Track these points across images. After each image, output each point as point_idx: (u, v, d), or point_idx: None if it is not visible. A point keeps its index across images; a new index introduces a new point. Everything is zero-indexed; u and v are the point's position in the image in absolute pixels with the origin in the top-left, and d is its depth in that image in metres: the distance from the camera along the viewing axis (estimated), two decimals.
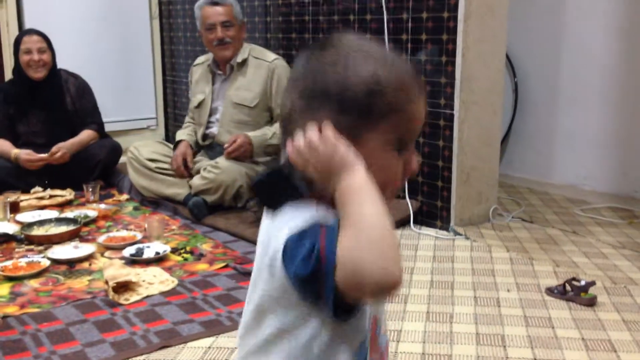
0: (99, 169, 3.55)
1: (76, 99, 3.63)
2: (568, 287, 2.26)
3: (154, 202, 3.27)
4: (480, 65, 2.81)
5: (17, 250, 2.64)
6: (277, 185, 0.77)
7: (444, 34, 2.78)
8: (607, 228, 3.00)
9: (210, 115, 3.23)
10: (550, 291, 2.28)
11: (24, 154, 3.34)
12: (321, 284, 0.71)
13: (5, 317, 2.02)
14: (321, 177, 0.76)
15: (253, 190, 0.80)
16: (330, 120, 0.77)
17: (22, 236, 2.74)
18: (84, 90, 3.67)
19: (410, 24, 2.91)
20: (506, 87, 3.42)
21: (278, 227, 0.77)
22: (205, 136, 3.27)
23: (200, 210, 3.01)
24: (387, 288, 0.68)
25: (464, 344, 1.93)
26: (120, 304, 2.13)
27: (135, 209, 3.25)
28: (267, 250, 0.78)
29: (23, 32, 3.65)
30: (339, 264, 0.69)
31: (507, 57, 3.25)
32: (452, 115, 2.82)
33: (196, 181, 3.06)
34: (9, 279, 2.34)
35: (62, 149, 3.40)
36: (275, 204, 0.78)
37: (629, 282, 2.37)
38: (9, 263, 2.45)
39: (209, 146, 3.26)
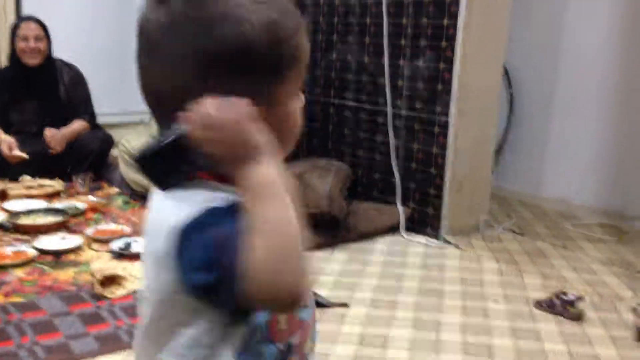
0: (89, 160, 3.51)
1: (70, 89, 3.59)
2: (556, 302, 2.26)
3: (144, 197, 3.24)
4: (478, 74, 2.81)
5: (3, 238, 2.61)
6: (170, 158, 0.64)
7: (443, 41, 2.78)
8: (596, 244, 3.01)
9: None
10: (538, 304, 2.28)
11: (4, 146, 3.27)
12: (222, 293, 0.62)
13: None
14: (223, 159, 0.63)
15: (139, 163, 0.65)
16: (232, 86, 0.64)
17: (9, 224, 2.70)
18: (78, 80, 3.64)
19: (409, 30, 2.91)
20: (501, 97, 3.42)
21: (167, 214, 0.65)
22: None
23: None
24: (297, 302, 0.61)
25: (450, 352, 1.92)
26: (106, 297, 2.11)
27: (125, 202, 3.22)
28: (154, 241, 0.67)
29: (21, 18, 3.62)
30: (248, 275, 0.59)
31: (504, 67, 3.26)
32: (447, 123, 2.82)
33: None
34: None
35: (55, 137, 3.36)
36: (165, 182, 0.67)
37: (617, 298, 2.37)
38: None
39: None
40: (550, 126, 3.63)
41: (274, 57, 0.66)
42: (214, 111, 0.62)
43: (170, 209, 0.65)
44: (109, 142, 3.64)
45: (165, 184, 0.66)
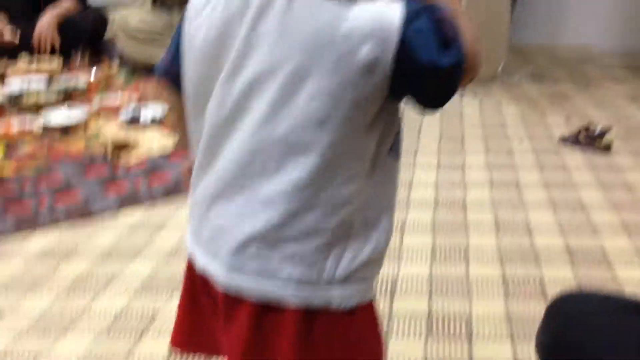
0: (84, 39, 3.35)
1: None
2: (582, 136, 2.19)
3: (147, 69, 3.13)
4: None
5: (7, 117, 2.53)
6: None
7: None
8: (619, 82, 2.90)
9: None
10: (563, 140, 2.21)
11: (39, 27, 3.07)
12: (453, 75, 0.64)
13: (1, 179, 1.95)
14: None
15: None
16: None
17: (12, 104, 2.62)
18: None
19: None
20: None
21: (365, 10, 0.61)
22: None
23: None
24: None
25: (477, 189, 1.88)
26: (121, 165, 2.06)
27: (128, 76, 3.12)
28: (336, 47, 0.60)
29: None
30: (468, 53, 0.63)
31: None
32: None
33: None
34: (2, 143, 2.24)
35: (43, 31, 3.18)
36: None
37: None
38: (0, 130, 2.35)
39: None
40: None
41: None
42: None
43: (363, 12, 0.61)
44: (102, 19, 3.46)
45: None
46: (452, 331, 1.25)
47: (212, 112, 0.68)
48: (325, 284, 0.67)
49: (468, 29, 0.65)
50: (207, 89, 0.69)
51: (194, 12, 0.70)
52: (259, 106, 0.64)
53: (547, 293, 1.35)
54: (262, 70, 0.64)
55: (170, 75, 0.75)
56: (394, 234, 0.72)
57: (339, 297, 0.68)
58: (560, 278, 1.41)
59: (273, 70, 0.63)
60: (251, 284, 0.68)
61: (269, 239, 0.66)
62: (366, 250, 0.69)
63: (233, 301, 0.69)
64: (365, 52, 0.60)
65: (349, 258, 0.67)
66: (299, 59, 0.62)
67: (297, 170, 0.64)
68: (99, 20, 3.45)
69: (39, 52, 3.11)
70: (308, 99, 0.62)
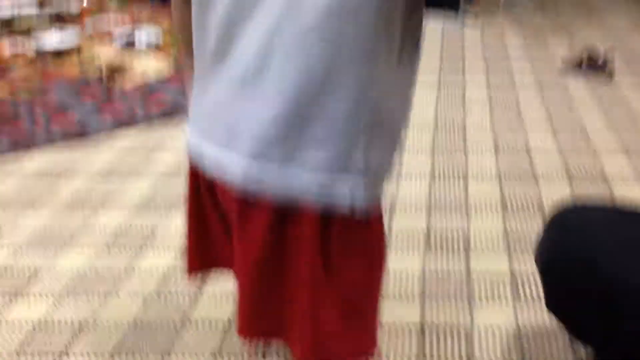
0: None
1: None
2: (584, 63, 2.15)
3: None
4: None
5: None
6: None
7: None
8: (621, 11, 2.83)
9: None
10: (566, 63, 2.18)
11: None
12: None
13: None
14: None
15: None
16: None
17: (3, 28, 2.55)
18: None
19: None
20: None
21: None
22: None
23: None
24: None
25: (477, 105, 1.86)
26: (116, 88, 2.02)
27: (121, 1, 3.03)
28: None
29: None
30: None
31: None
32: None
33: None
34: None
35: None
36: None
37: None
38: None
39: None
40: None
41: None
42: None
43: None
44: None
45: None
46: (450, 246, 1.26)
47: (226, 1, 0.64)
48: (351, 172, 0.64)
49: None
50: None
51: None
52: None
53: (545, 211, 1.36)
54: None
55: None
56: None
57: (361, 188, 0.65)
58: (559, 196, 1.41)
59: None
60: (274, 175, 0.64)
61: (297, 118, 0.62)
62: (387, 142, 0.68)
63: (249, 207, 0.67)
64: None
65: (376, 147, 0.65)
66: None
67: (323, 49, 0.60)
68: None
69: None
70: None
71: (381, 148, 0.67)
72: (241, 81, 0.64)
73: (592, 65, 2.13)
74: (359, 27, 0.60)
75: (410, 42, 0.67)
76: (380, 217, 0.73)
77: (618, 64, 2.15)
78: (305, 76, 0.61)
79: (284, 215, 0.66)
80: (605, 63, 2.13)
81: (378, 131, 0.65)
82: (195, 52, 0.71)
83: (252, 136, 0.64)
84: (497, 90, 1.99)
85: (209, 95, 0.69)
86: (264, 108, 0.63)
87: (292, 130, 0.62)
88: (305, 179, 0.64)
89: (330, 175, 0.64)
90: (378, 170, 0.67)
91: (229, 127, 0.66)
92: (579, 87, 2.02)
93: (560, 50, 2.34)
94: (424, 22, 0.68)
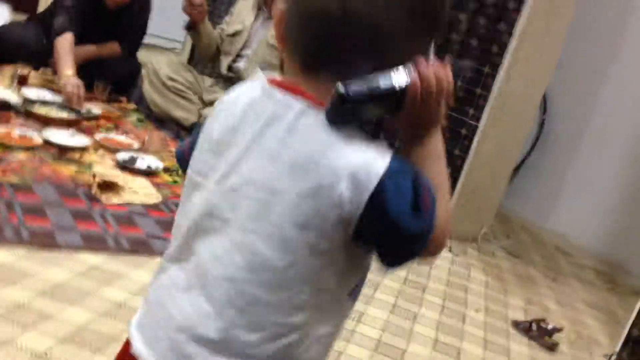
0: (111, 82, 3.39)
1: (134, 15, 3.43)
2: (534, 327, 2.25)
3: (160, 120, 3.23)
4: (520, 89, 2.77)
5: (13, 121, 2.59)
6: (364, 102, 0.65)
7: (495, 45, 2.74)
8: (586, 286, 3.00)
9: (242, 49, 3.18)
10: (516, 325, 2.27)
11: (71, 87, 2.85)
12: (415, 242, 0.67)
13: None
14: (421, 119, 0.68)
15: (342, 95, 0.64)
16: (423, 47, 0.69)
17: (22, 109, 2.68)
18: (144, 7, 3.45)
19: (463, 25, 2.86)
20: None
21: (351, 157, 0.65)
22: (230, 68, 3.22)
23: None
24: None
25: (420, 344, 1.92)
26: (101, 202, 2.10)
27: (140, 120, 3.20)
28: (315, 177, 0.65)
29: None
30: (438, 225, 0.66)
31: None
32: (476, 128, 2.79)
33: (208, 112, 3.02)
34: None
35: (73, 96, 2.85)
36: (345, 122, 0.66)
37: (594, 342, 2.37)
38: (2, 130, 2.41)
39: (230, 79, 3.20)
40: (573, 161, 3.60)
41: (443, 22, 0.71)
42: (438, 72, 0.66)
43: (354, 152, 0.65)
44: (136, 71, 3.54)
45: (338, 121, 0.66)
46: None
47: (198, 206, 0.72)
48: None
49: (445, 206, 0.69)
50: (199, 182, 0.74)
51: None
52: (237, 213, 0.69)
53: None
54: (250, 179, 0.69)
55: (186, 160, 0.79)
56: None
57: None
58: None
59: (256, 182, 0.68)
60: None
61: (210, 346, 0.69)
62: None
63: None
64: (342, 188, 0.64)
65: None
66: (282, 177, 0.67)
67: (255, 286, 0.68)
68: (134, 72, 3.51)
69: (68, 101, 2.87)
70: (278, 219, 0.66)
71: None
72: (181, 287, 0.73)
73: (540, 331, 2.23)
74: (293, 261, 0.67)
75: (347, 288, 0.73)
76: None
77: (564, 339, 2.24)
78: (230, 306, 0.69)
79: None
80: (551, 334, 2.22)
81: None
82: (172, 233, 0.79)
83: (168, 346, 0.72)
84: (444, 330, 2.07)
85: (158, 282, 0.77)
86: (187, 323, 0.71)
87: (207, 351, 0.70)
88: None
89: None
90: None
91: (155, 322, 0.74)
92: (521, 349, 2.10)
93: (518, 302, 2.45)
94: (366, 274, 0.75)
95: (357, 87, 0.64)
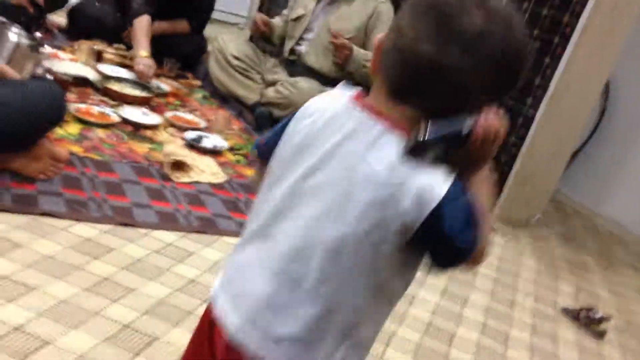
0: (178, 58, 3.54)
1: None
2: (582, 314, 2.30)
3: (223, 98, 3.36)
4: (580, 80, 2.77)
5: (92, 97, 2.76)
6: (436, 143, 0.76)
7: (557, 37, 2.73)
8: (638, 274, 3.01)
9: (304, 32, 3.26)
10: (565, 311, 2.33)
11: (143, 66, 3.02)
12: (461, 255, 0.79)
13: (71, 153, 2.15)
14: (479, 158, 0.81)
15: (415, 138, 0.76)
16: (493, 100, 0.80)
17: (100, 85, 2.85)
18: None
19: (526, 15, 2.86)
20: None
21: (419, 179, 0.76)
22: (292, 51, 3.31)
23: (264, 122, 3.09)
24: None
25: (469, 328, 2.01)
26: (171, 180, 2.25)
27: (204, 97, 3.34)
28: (388, 190, 0.76)
29: None
30: (481, 241, 0.78)
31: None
32: (533, 117, 2.81)
33: (270, 93, 3.13)
34: (80, 121, 2.46)
35: (144, 72, 3.01)
36: (418, 157, 0.77)
37: None
38: (82, 106, 2.58)
39: (292, 62, 3.29)
40: (632, 149, 3.56)
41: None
42: (498, 120, 0.78)
43: (421, 174, 0.76)
44: (203, 48, 3.68)
45: (412, 155, 0.77)
46: None
47: (282, 195, 0.84)
48: None
49: (488, 227, 0.81)
50: (279, 175, 0.86)
51: (302, 114, 0.87)
52: (311, 210, 0.81)
53: None
54: (328, 181, 0.81)
55: (265, 152, 0.91)
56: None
57: None
58: None
59: (335, 185, 0.80)
60: (255, 342, 0.82)
61: (279, 306, 0.82)
62: (356, 351, 0.84)
63: (233, 353, 0.83)
64: (407, 203, 0.75)
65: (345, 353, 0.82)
66: (356, 186, 0.78)
67: (329, 276, 0.80)
68: (201, 49, 3.66)
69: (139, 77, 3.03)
70: (349, 219, 0.78)
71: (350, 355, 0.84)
72: (261, 265, 0.84)
73: (588, 319, 2.28)
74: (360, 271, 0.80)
75: (402, 282, 0.85)
76: None
77: (612, 328, 2.29)
78: (307, 297, 0.81)
79: None
80: (600, 322, 2.27)
81: (351, 345, 0.83)
82: (249, 218, 0.91)
83: (250, 302, 0.83)
84: (492, 314, 2.15)
85: (241, 256, 0.89)
86: (264, 285, 0.83)
87: (277, 311, 0.82)
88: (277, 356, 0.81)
89: None
90: None
91: (240, 287, 0.86)
92: (569, 336, 2.16)
93: (568, 289, 2.50)
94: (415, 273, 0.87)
95: (432, 132, 0.75)
